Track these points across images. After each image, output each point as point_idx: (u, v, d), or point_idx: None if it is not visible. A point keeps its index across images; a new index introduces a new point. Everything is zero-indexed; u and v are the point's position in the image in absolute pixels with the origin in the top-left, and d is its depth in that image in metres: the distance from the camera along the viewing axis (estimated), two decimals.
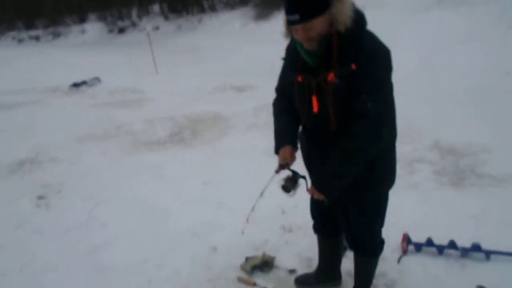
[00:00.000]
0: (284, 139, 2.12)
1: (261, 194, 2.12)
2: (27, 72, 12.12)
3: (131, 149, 5.26)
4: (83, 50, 17.63)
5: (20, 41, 26.14)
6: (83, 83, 9.11)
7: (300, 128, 2.17)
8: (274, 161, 2.11)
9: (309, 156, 2.23)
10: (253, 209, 2.19)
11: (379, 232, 2.34)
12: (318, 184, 2.04)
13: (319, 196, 2.03)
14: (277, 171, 2.08)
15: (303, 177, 2.10)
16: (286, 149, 2.08)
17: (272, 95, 2.24)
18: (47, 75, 10.98)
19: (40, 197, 3.97)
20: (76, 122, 6.38)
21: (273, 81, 2.24)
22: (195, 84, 8.50)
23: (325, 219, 2.46)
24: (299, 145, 2.17)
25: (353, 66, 1.77)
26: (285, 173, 2.09)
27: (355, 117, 1.85)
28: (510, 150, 4.47)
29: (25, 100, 7.90)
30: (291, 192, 2.05)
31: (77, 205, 3.83)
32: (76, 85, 9.01)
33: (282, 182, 2.05)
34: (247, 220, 2.24)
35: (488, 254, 2.80)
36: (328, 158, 2.01)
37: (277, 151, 2.13)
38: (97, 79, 9.38)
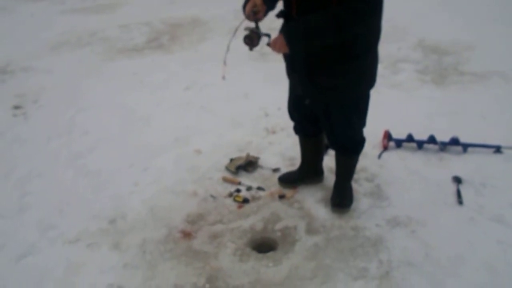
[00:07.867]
0: None
1: (234, 33, 1.98)
2: None
3: (107, 56, 5.05)
4: None
5: None
6: None
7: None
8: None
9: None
10: (227, 49, 2.06)
11: (361, 132, 2.35)
12: (288, 31, 1.90)
13: (279, 47, 1.91)
14: (248, 17, 1.92)
15: (267, 35, 1.96)
16: None
17: None
18: None
19: (16, 107, 3.85)
20: (47, 30, 6.03)
21: None
22: None
23: (304, 119, 2.45)
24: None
25: None
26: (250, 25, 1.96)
27: None
28: (493, 48, 4.44)
29: None
30: (253, 44, 1.94)
31: (56, 113, 3.73)
32: None
33: (246, 32, 1.93)
34: (225, 63, 2.12)
35: (465, 147, 2.89)
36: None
37: (245, 2, 1.95)
38: None
